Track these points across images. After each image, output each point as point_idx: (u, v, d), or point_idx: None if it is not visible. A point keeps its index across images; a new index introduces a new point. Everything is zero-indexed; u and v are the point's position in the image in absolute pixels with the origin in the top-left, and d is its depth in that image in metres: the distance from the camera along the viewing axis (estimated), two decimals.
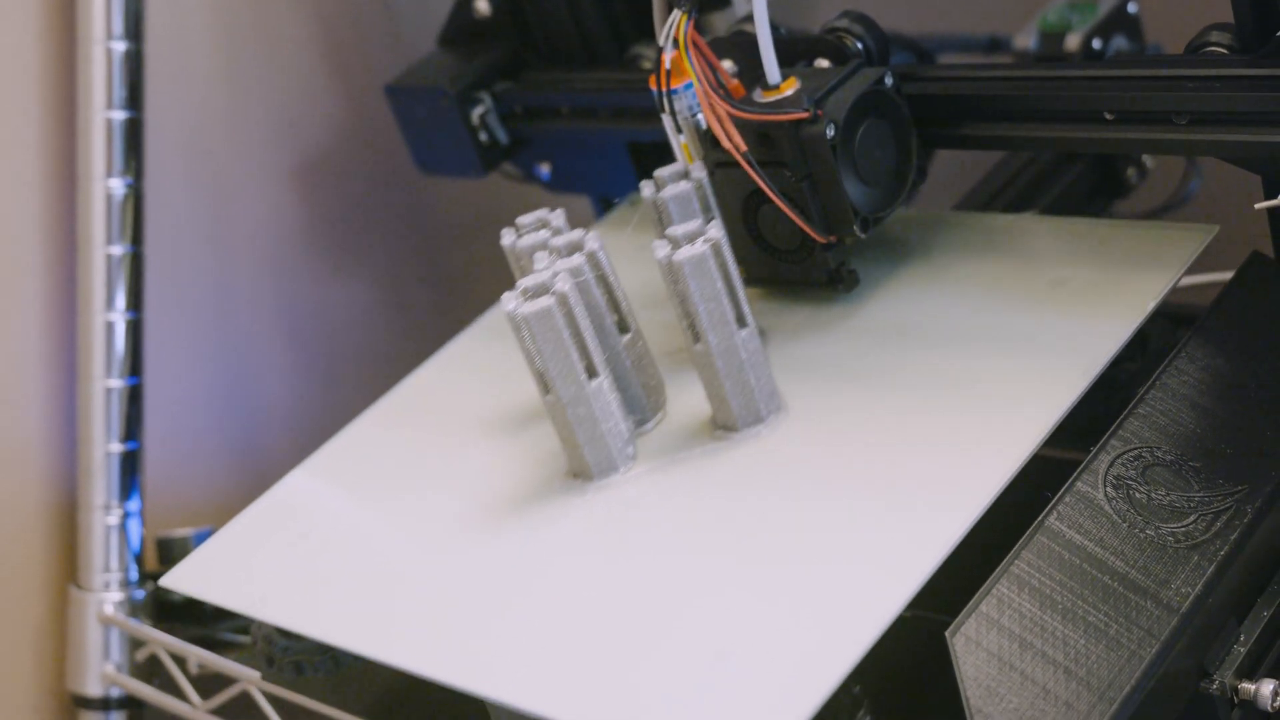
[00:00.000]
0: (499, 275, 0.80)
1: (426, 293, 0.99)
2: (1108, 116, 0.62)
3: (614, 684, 0.52)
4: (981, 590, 0.51)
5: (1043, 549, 0.52)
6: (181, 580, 0.66)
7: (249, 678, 0.70)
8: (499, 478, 0.63)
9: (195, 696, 0.75)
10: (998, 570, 0.52)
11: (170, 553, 0.81)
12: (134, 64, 0.80)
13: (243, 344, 0.91)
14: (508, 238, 0.65)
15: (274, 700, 0.70)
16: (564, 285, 0.58)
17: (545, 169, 0.85)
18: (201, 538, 0.81)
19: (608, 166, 0.82)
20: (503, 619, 0.56)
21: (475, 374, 0.72)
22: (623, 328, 0.62)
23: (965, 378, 0.59)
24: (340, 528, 0.66)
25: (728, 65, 0.67)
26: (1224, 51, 0.60)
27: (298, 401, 0.93)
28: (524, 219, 0.65)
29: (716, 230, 0.59)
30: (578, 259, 0.61)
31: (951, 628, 0.50)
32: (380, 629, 0.58)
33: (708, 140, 0.64)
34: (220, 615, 0.80)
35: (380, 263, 0.97)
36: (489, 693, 0.54)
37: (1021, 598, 0.51)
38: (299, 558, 0.64)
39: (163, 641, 0.77)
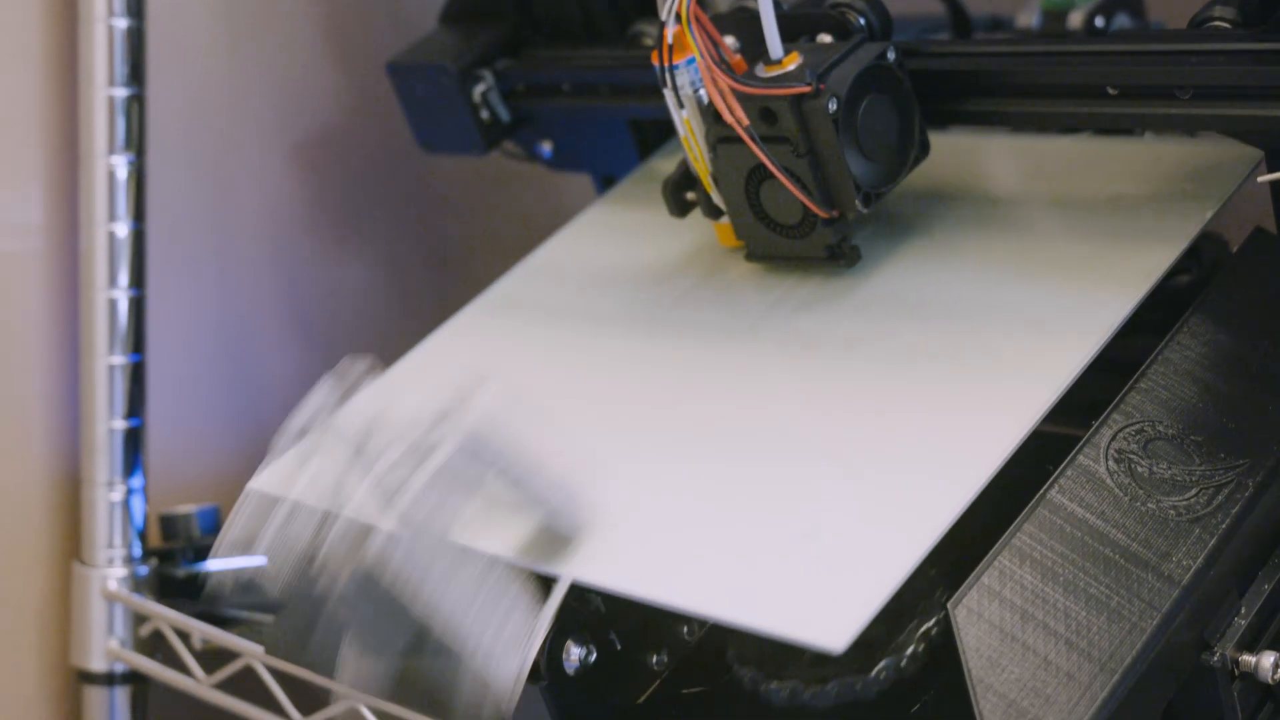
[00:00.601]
0: (500, 255, 0.81)
1: (427, 271, 0.99)
2: (1110, 92, 0.62)
3: (699, 564, 0.54)
4: (983, 562, 0.51)
5: (1044, 522, 0.53)
6: (267, 481, 0.66)
7: (253, 652, 0.70)
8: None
9: (199, 671, 0.76)
10: (999, 543, 0.52)
11: (173, 530, 0.81)
12: (135, 41, 0.80)
13: (244, 321, 0.91)
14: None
15: (277, 674, 0.70)
16: None
17: (547, 147, 0.85)
18: (204, 514, 0.81)
19: (609, 144, 0.82)
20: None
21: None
22: None
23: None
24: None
25: (730, 41, 0.67)
26: (1227, 26, 0.60)
27: (299, 379, 0.93)
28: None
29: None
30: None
31: (953, 599, 0.50)
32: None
33: (710, 115, 0.64)
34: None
35: (381, 241, 0.97)
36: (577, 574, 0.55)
37: (1023, 570, 0.51)
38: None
39: (166, 616, 0.77)
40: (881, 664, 0.52)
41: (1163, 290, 0.60)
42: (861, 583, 0.50)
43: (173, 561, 0.81)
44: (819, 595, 0.51)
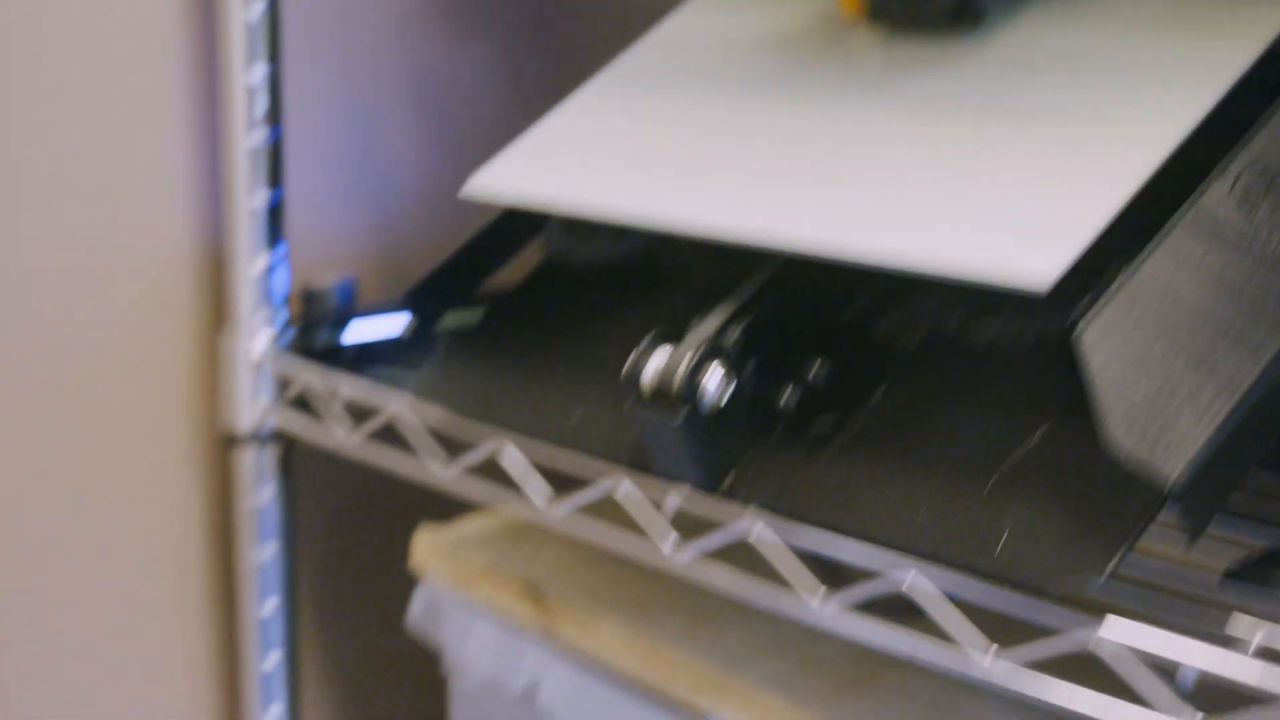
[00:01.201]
0: (615, 45, 0.81)
1: (543, 60, 1.01)
2: None
3: (891, 224, 0.58)
4: (1110, 289, 0.53)
5: (1170, 254, 0.54)
6: (477, 188, 0.69)
7: (398, 405, 0.72)
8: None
9: (345, 426, 0.78)
10: (1125, 271, 0.53)
11: (313, 301, 0.84)
12: None
13: (372, 104, 0.93)
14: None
15: (424, 425, 0.72)
16: None
17: None
18: (342, 287, 0.84)
19: None
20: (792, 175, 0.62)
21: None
22: None
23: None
24: (623, 137, 0.70)
25: None
26: None
27: (423, 160, 0.96)
28: None
29: None
30: None
31: (1081, 324, 0.52)
32: (672, 199, 0.63)
33: None
34: (362, 359, 0.83)
35: (500, 29, 0.98)
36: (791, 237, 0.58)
37: (1149, 297, 0.53)
38: (597, 158, 0.69)
39: (312, 376, 0.80)
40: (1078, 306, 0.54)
41: None
42: (1061, 229, 0.54)
43: (313, 330, 0.83)
44: (1019, 243, 0.54)
